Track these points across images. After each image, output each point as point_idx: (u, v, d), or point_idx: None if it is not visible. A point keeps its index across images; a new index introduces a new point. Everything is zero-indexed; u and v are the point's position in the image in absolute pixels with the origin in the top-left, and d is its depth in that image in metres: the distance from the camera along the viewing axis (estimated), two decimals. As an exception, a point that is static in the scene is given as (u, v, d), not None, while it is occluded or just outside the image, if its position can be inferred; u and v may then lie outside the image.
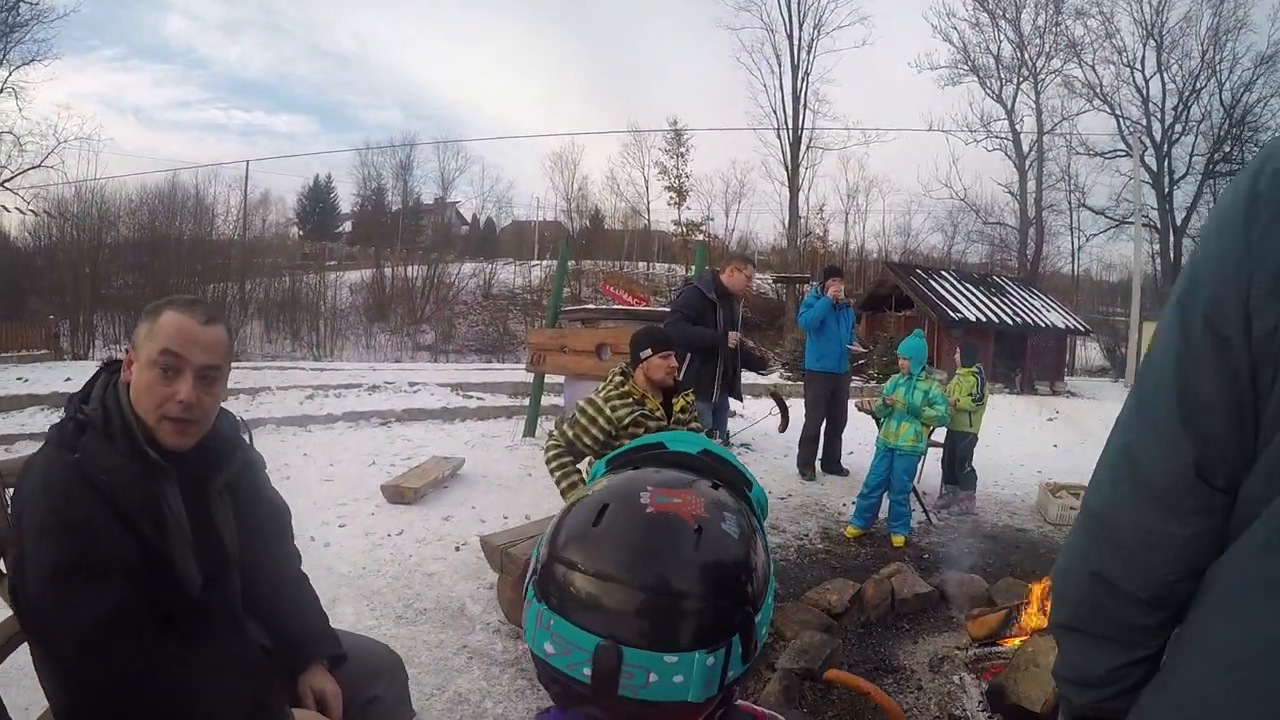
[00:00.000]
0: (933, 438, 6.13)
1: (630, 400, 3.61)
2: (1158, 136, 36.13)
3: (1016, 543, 5.83)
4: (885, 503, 5.67)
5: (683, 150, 39.38)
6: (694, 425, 3.96)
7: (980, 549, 5.61)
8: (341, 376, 12.84)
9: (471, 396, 11.45)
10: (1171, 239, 36.92)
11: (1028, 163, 36.70)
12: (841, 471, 7.53)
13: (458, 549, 4.70)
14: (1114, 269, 41.28)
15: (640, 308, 8.52)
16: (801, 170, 38.58)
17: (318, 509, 5.38)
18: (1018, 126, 36.94)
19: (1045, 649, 3.09)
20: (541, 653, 0.75)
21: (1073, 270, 40.30)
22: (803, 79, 38.44)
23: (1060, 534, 6.17)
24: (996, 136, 37.43)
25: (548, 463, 3.59)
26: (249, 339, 26.85)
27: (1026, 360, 20.46)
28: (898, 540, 5.51)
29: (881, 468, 5.57)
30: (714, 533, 0.76)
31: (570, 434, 3.57)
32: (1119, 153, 36.65)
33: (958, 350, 6.89)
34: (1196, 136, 36.42)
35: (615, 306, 8.59)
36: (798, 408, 7.40)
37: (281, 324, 28.64)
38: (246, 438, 1.88)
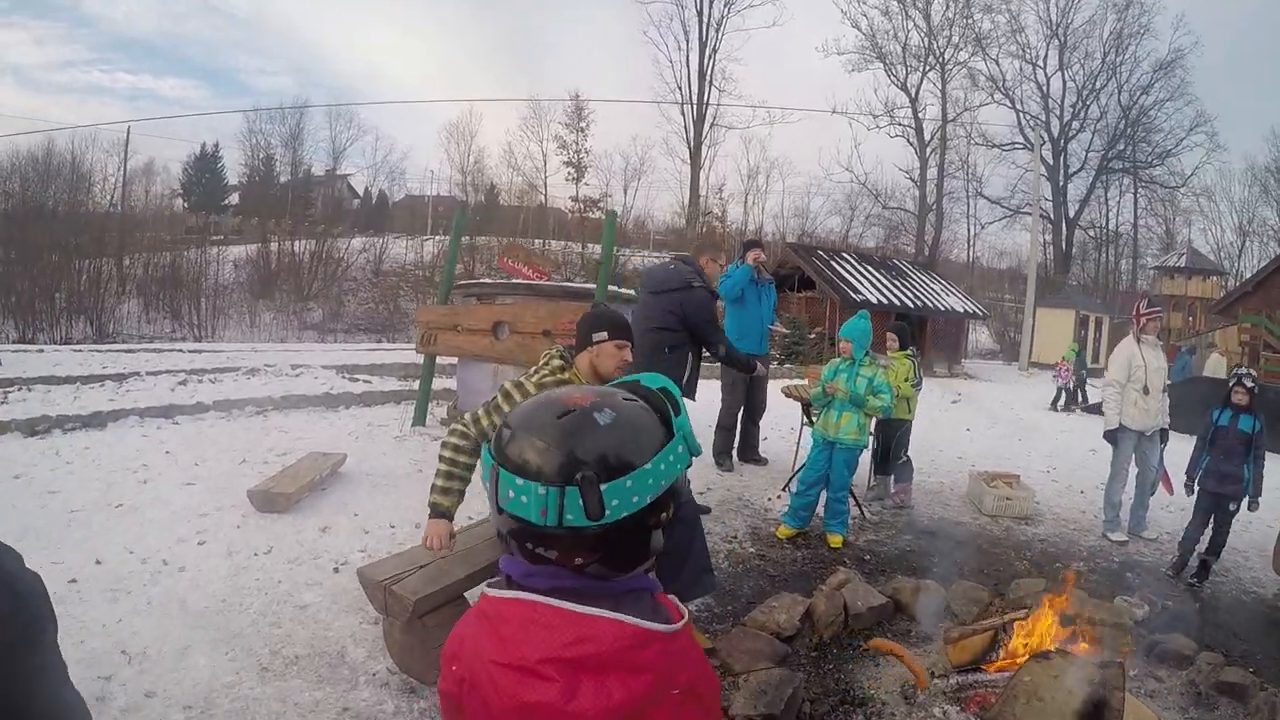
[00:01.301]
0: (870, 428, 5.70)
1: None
2: (1055, 132, 37.80)
3: (957, 538, 5.48)
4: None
5: (583, 125, 38.64)
6: None
7: (922, 547, 5.24)
8: (220, 359, 11.73)
9: (358, 380, 10.55)
10: (1064, 230, 38.72)
11: (929, 150, 37.61)
12: (760, 460, 7.10)
13: (336, 570, 3.94)
14: (1005, 256, 42.84)
15: (542, 282, 7.83)
16: (704, 148, 38.52)
17: (175, 521, 4.53)
18: (921, 115, 37.79)
19: (1046, 678, 2.65)
20: None
21: (968, 256, 41.64)
22: (710, 56, 38.33)
23: (998, 526, 5.88)
24: (899, 124, 38.21)
25: (440, 451, 2.95)
26: (125, 319, 24.73)
27: (926, 343, 20.72)
28: (835, 540, 5.04)
29: (820, 462, 5.07)
30: (581, 412, 1.06)
31: (486, 423, 2.91)
32: (1017, 145, 38.16)
33: (888, 334, 6.47)
34: (1093, 134, 38.46)
35: (514, 281, 7.87)
36: (712, 389, 6.88)
37: (161, 302, 26.49)
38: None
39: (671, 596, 1.18)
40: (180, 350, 14.43)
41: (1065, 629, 3.16)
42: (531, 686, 1.01)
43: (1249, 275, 30.55)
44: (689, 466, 1.19)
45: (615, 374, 3.12)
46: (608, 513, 1.03)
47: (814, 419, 6.20)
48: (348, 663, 3.09)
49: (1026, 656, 2.94)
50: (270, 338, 24.60)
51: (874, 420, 6.01)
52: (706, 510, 5.41)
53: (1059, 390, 14.85)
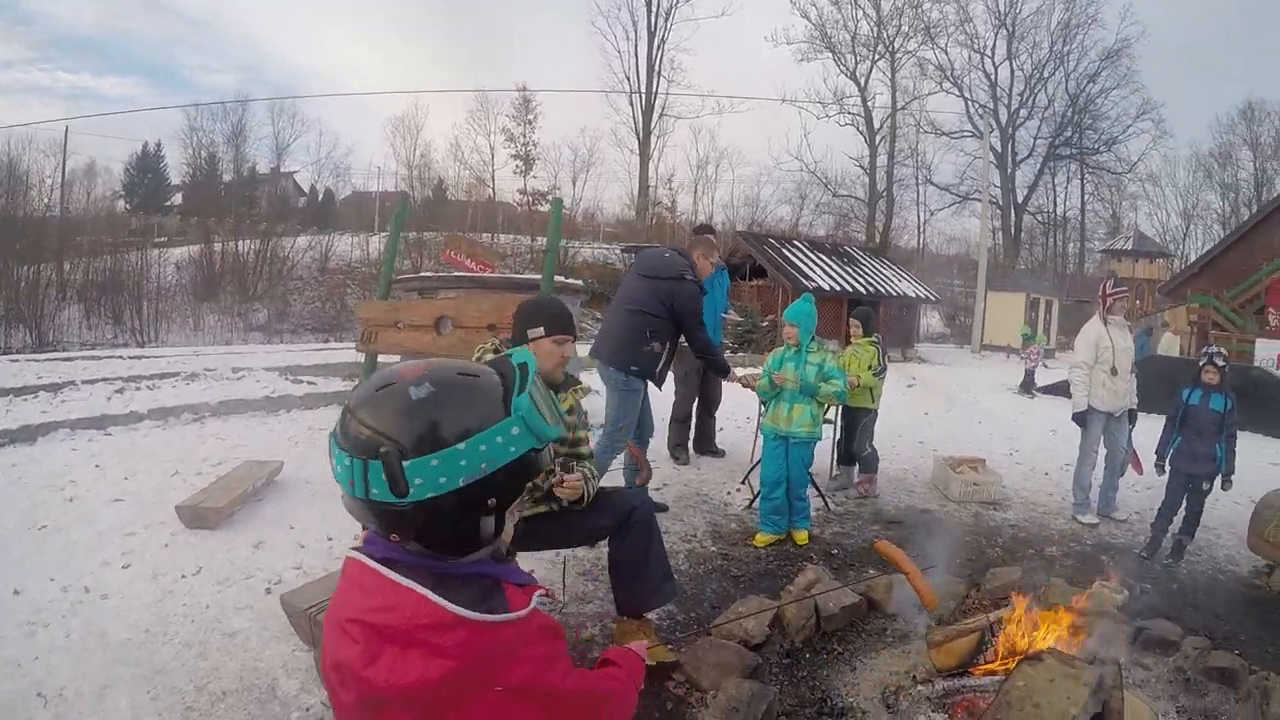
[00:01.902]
0: (827, 416, 5.51)
1: None
2: (1003, 120, 38.45)
3: (927, 526, 5.31)
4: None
5: (531, 118, 38.21)
6: (581, 434, 3.12)
7: (891, 538, 5.03)
8: (160, 365, 11.14)
9: (301, 381, 10.11)
10: (1013, 216, 39.40)
11: (879, 138, 37.91)
12: (717, 452, 6.90)
13: (269, 590, 3.62)
14: (955, 242, 43.44)
15: (487, 274, 7.53)
16: (653, 139, 38.33)
17: (100, 543, 4.16)
18: (870, 103, 38.08)
19: (1041, 682, 2.46)
20: None
21: (919, 243, 42.14)
22: (658, 46, 38.10)
23: (966, 512, 5.75)
24: (849, 112, 38.44)
25: None
26: (66, 326, 23.66)
27: (880, 328, 20.78)
28: (801, 537, 4.81)
29: (778, 460, 4.80)
30: (398, 386, 1.04)
31: None
32: (965, 133, 38.73)
33: (851, 319, 6.29)
34: (1041, 121, 39.27)
35: (457, 274, 7.56)
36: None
37: (102, 308, 25.48)
38: None
39: (541, 593, 1.15)
40: (120, 357, 13.77)
41: (1054, 626, 2.98)
42: (341, 644, 1.04)
43: (1194, 258, 31.50)
44: (536, 451, 1.11)
45: (555, 373, 2.88)
46: (411, 491, 0.99)
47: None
48: (279, 698, 2.79)
49: (1016, 659, 2.75)
50: (214, 341, 23.75)
51: (834, 408, 5.86)
52: (664, 508, 5.18)
53: (1027, 374, 14.85)
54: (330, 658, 1.07)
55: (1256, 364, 14.39)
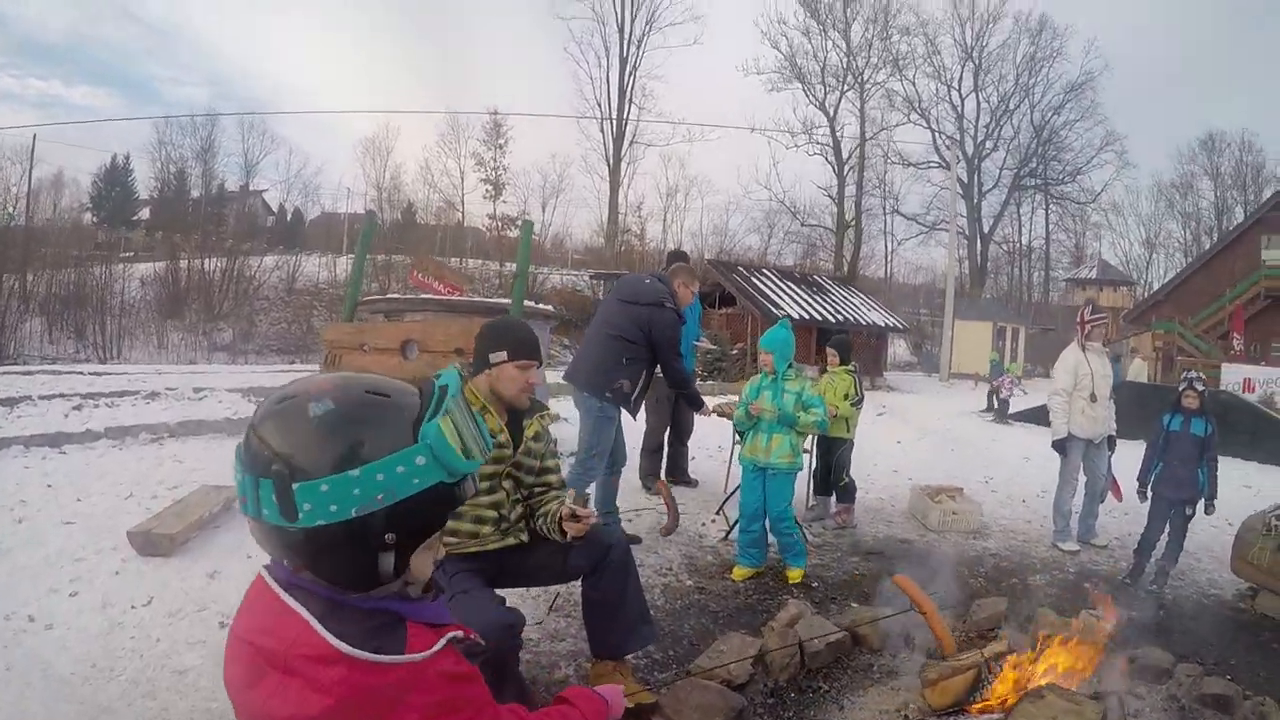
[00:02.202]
0: (804, 446, 5.39)
1: None
2: (970, 151, 39.20)
3: (905, 556, 5.21)
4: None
5: (501, 142, 38.29)
6: (550, 463, 2.95)
7: (872, 570, 4.97)
8: (120, 382, 10.81)
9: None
10: (979, 245, 40.03)
11: (847, 168, 38.38)
12: (690, 482, 6.78)
13: (222, 624, 3.40)
14: (921, 271, 44.07)
15: (455, 297, 7.38)
16: (623, 165, 38.54)
17: (48, 569, 3.92)
18: (839, 134, 38.62)
19: (1042, 722, 2.34)
20: None
21: (886, 271, 42.63)
22: (630, 73, 38.39)
23: (946, 542, 5.67)
24: (817, 142, 38.91)
25: None
26: (27, 339, 23.17)
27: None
28: (795, 575, 4.59)
29: (755, 492, 4.63)
30: (297, 400, 0.94)
31: None
32: (932, 164, 39.43)
33: (828, 349, 6.22)
34: (1006, 153, 40.16)
35: (425, 296, 7.40)
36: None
37: (65, 322, 24.88)
38: None
39: (454, 635, 1.04)
40: (80, 373, 13.37)
41: (1050, 659, 2.88)
42: (232, 657, 1.00)
43: (1157, 286, 32.32)
44: (448, 485, 1.00)
45: (519, 399, 2.71)
46: (300, 516, 0.90)
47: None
48: (230, 744, 2.59)
49: (1015, 696, 2.64)
50: (178, 359, 23.40)
51: (810, 438, 5.73)
52: (637, 540, 5.02)
53: (1003, 403, 14.94)
54: (225, 666, 1.01)
55: (1223, 388, 14.62)
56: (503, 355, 2.65)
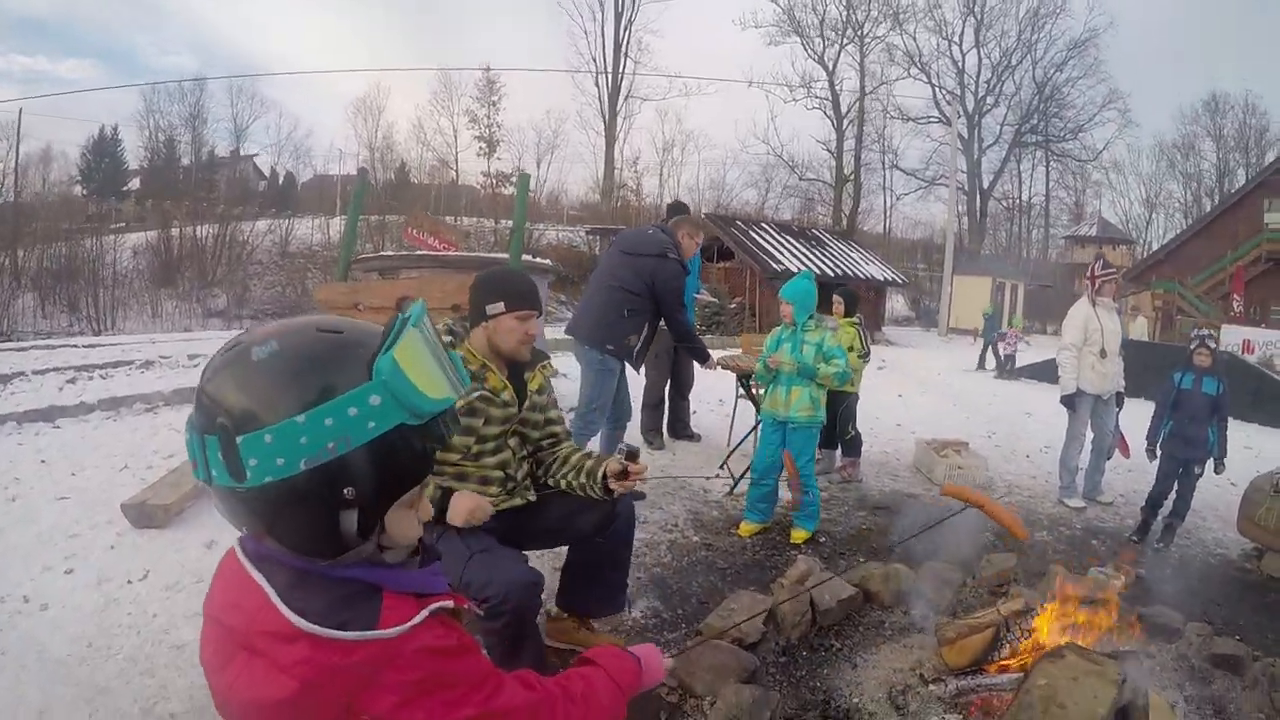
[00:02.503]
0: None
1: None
2: (970, 107, 38.69)
3: (913, 513, 5.14)
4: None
5: (495, 99, 37.72)
6: (553, 414, 2.84)
7: (879, 525, 4.94)
8: (114, 353, 10.69)
9: (260, 367, 9.76)
10: (978, 201, 39.71)
11: (846, 123, 37.91)
12: (693, 437, 6.71)
13: (223, 596, 3.35)
14: (920, 226, 43.73)
15: (451, 253, 7.25)
16: (619, 121, 38.06)
17: (41, 546, 3.83)
18: (838, 88, 38.08)
19: (1064, 680, 2.29)
20: None
21: (885, 226, 42.34)
22: (626, 26, 37.72)
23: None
24: (816, 96, 38.37)
25: None
26: (20, 315, 22.92)
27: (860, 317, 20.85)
28: (799, 536, 4.50)
29: (773, 447, 4.53)
30: (237, 349, 0.86)
31: None
32: (932, 119, 38.93)
33: (835, 296, 6.10)
34: (1007, 109, 39.65)
35: (420, 253, 7.26)
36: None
37: (58, 295, 24.69)
38: None
39: (439, 605, 0.93)
40: (74, 346, 13.28)
41: (1070, 618, 2.83)
42: (205, 638, 0.95)
43: (1157, 245, 32.07)
44: (418, 425, 0.88)
45: (519, 351, 2.57)
46: (248, 474, 0.81)
47: (752, 392, 5.80)
48: (231, 717, 2.54)
49: (1034, 655, 2.58)
50: (173, 327, 23.20)
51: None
52: (641, 495, 4.95)
53: (1008, 358, 14.87)
54: (200, 655, 0.94)
55: (1223, 349, 14.55)
56: (500, 306, 2.50)
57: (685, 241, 5.25)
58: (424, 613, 0.90)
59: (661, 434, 6.50)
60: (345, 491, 0.85)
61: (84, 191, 37.75)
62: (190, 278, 27.50)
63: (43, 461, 5.36)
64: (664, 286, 4.95)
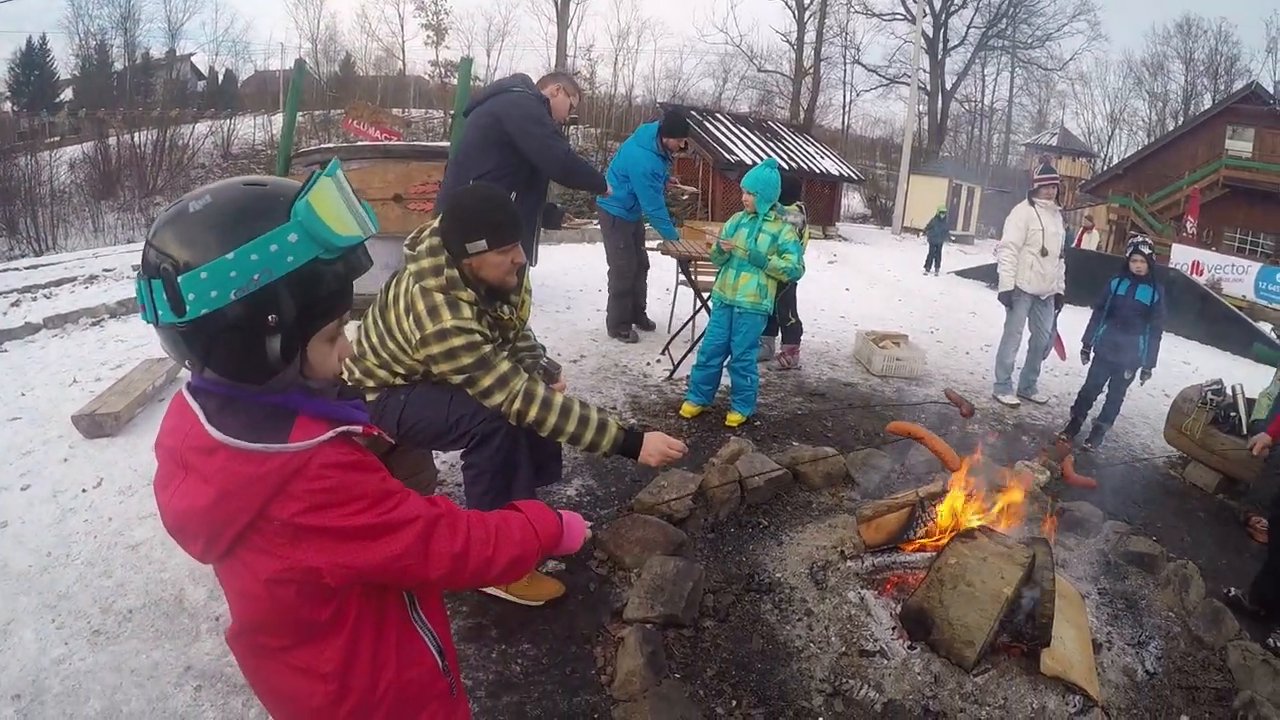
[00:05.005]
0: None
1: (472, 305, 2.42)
2: (937, 6, 37.67)
3: (848, 399, 5.37)
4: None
5: (443, -18, 36.10)
6: (527, 330, 2.85)
7: (814, 410, 5.11)
8: (57, 271, 10.39)
9: (204, 270, 9.62)
10: (939, 102, 39.21)
11: (808, 15, 36.85)
12: (647, 325, 6.57)
13: (174, 495, 3.42)
14: (880, 125, 43.26)
15: (392, 143, 7.12)
16: (572, 6, 36.64)
17: (-4, 469, 3.86)
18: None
19: (973, 560, 2.48)
20: None
21: (844, 123, 41.79)
22: (580, -98, 35.77)
23: (889, 386, 5.83)
24: (777, -15, 37.04)
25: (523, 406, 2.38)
26: (-41, 243, 21.98)
27: (803, 199, 20.77)
28: (734, 419, 4.64)
29: (720, 329, 4.59)
30: (177, 206, 0.98)
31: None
32: (898, 16, 37.93)
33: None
34: (975, 10, 38.64)
35: (360, 143, 7.13)
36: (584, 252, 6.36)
37: (-4, 220, 23.67)
38: None
39: (347, 428, 1.06)
40: (16, 269, 12.89)
41: (984, 503, 3.02)
42: (157, 467, 1.06)
43: (1117, 160, 32.03)
44: (326, 262, 1.01)
45: (509, 280, 2.45)
46: (188, 309, 0.94)
47: (693, 278, 5.80)
48: (187, 609, 2.65)
49: (947, 536, 2.77)
50: (116, 240, 22.40)
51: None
52: (556, 367, 4.84)
53: (934, 247, 15.16)
54: (154, 483, 1.08)
55: (1172, 266, 14.85)
56: (482, 245, 2.34)
57: (558, 98, 4.47)
58: (331, 432, 1.03)
59: (631, 327, 6.29)
60: (269, 319, 0.98)
61: (14, 108, 35.86)
62: (131, 188, 26.48)
63: (-9, 388, 5.30)
64: (516, 126, 4.09)
